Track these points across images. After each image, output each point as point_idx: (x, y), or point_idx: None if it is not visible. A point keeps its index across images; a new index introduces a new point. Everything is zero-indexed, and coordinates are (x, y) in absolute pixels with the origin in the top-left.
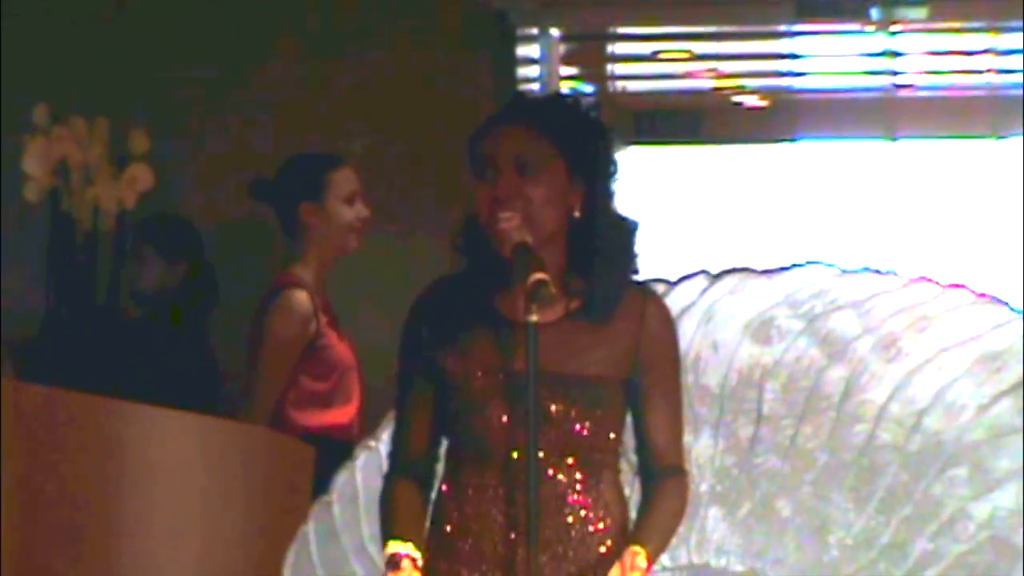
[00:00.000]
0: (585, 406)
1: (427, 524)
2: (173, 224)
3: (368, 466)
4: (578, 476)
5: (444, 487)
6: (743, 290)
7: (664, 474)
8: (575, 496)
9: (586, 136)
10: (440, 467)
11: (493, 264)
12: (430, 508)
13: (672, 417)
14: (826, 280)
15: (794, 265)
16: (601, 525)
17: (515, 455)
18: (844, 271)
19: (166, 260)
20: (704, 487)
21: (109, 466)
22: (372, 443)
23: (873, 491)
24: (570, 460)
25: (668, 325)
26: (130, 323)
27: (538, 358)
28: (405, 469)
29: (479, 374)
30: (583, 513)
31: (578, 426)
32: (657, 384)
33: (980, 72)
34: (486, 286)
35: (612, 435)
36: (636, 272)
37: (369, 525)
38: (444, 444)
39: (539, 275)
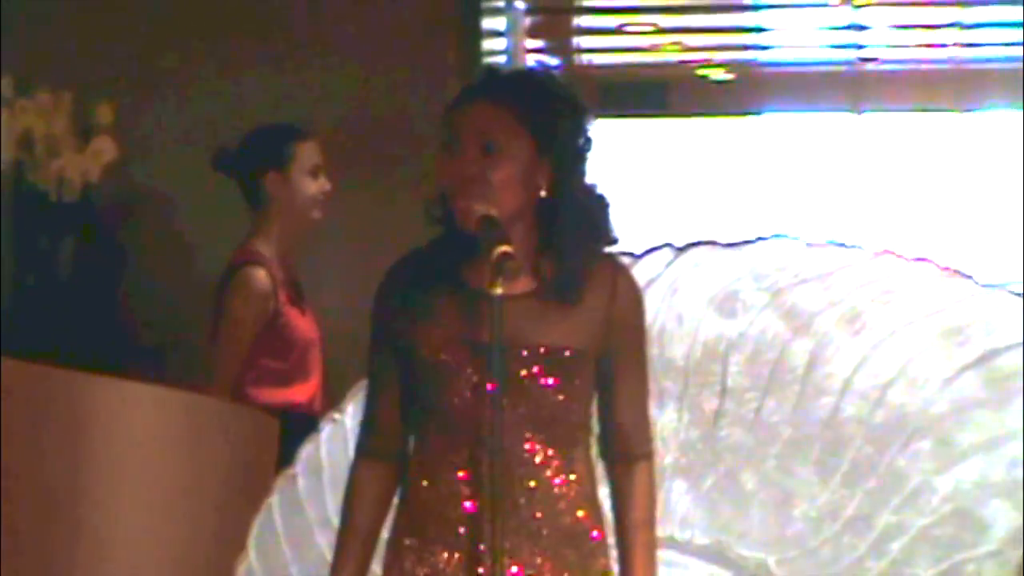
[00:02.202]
0: (561, 377)
1: (395, 500)
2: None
3: (333, 439)
4: (551, 451)
5: (411, 465)
6: (708, 263)
7: (635, 458)
8: (548, 470)
9: (555, 113)
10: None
11: (461, 235)
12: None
13: (642, 397)
14: (791, 254)
15: (759, 238)
16: (571, 498)
17: (484, 427)
18: (809, 244)
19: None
20: (668, 460)
21: (75, 438)
22: (337, 416)
23: (838, 464)
24: (544, 433)
25: (639, 301)
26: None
27: (511, 330)
28: (374, 448)
29: (447, 345)
30: (555, 488)
31: (556, 397)
32: (627, 361)
33: (945, 46)
34: (454, 257)
35: (585, 409)
36: (612, 244)
37: (334, 498)
38: None
39: (503, 248)
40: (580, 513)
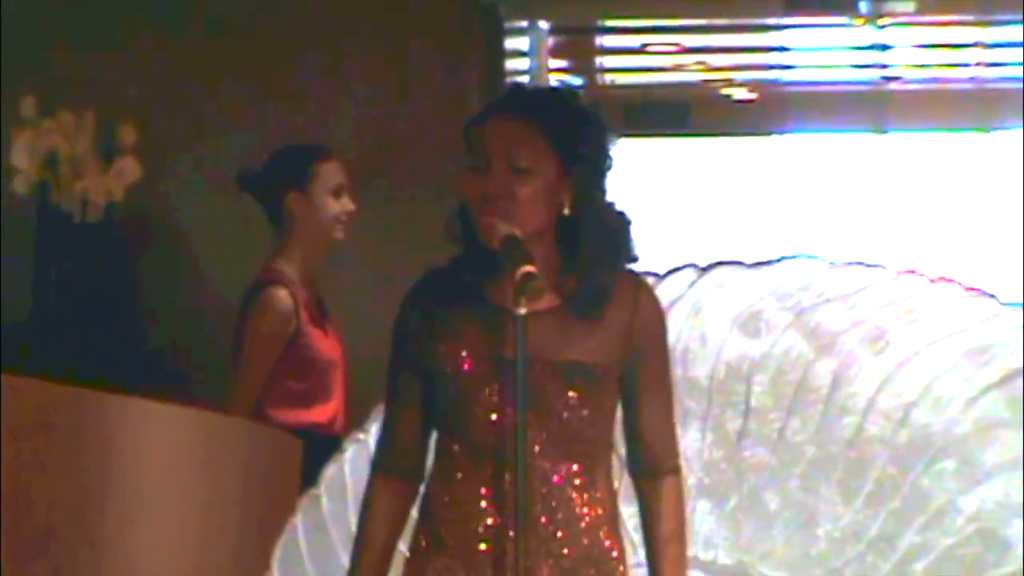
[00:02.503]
0: (585, 392)
1: (414, 516)
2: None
3: (357, 459)
4: (574, 468)
5: (434, 478)
6: (731, 283)
7: (662, 473)
8: (571, 489)
9: (580, 132)
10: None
11: (482, 253)
12: (418, 502)
13: (667, 412)
14: (814, 273)
15: (782, 258)
16: (593, 517)
17: (506, 444)
18: (832, 264)
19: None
20: (692, 480)
21: (97, 458)
22: (361, 436)
23: (861, 484)
24: (568, 450)
25: (660, 316)
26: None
27: (535, 346)
28: (391, 465)
29: (472, 362)
30: (577, 507)
31: (580, 413)
32: (652, 377)
33: (968, 65)
34: (476, 275)
35: (608, 425)
36: (633, 262)
37: (358, 518)
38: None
39: (527, 268)
40: (601, 532)
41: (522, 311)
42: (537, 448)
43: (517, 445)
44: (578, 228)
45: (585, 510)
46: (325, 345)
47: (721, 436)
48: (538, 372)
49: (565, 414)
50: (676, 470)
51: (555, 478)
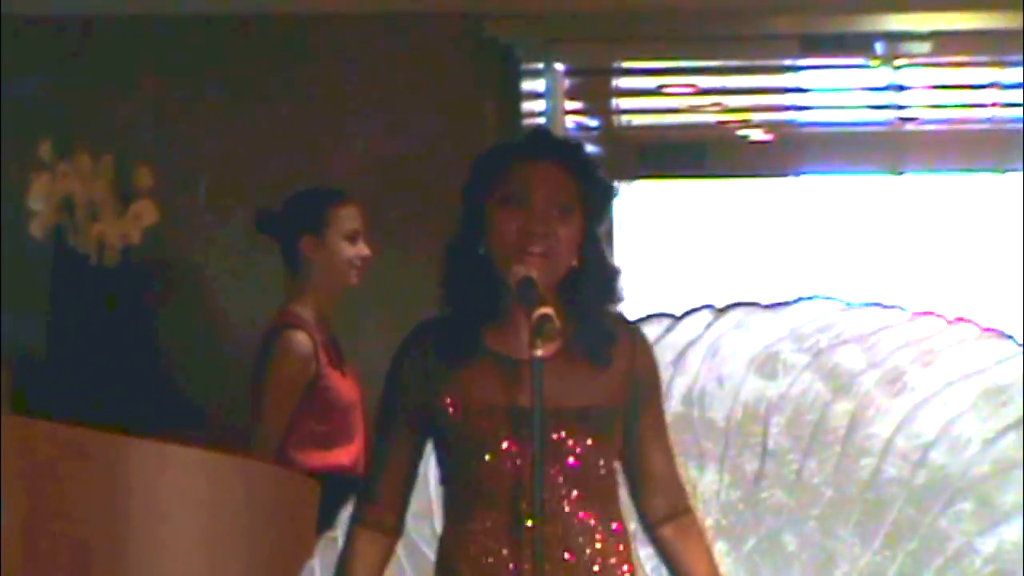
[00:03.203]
0: (595, 437)
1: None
2: None
3: None
4: (588, 512)
5: (450, 528)
6: (748, 324)
7: (681, 513)
8: (586, 532)
9: (598, 182)
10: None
11: (483, 299)
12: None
13: (671, 453)
14: (831, 314)
15: (799, 299)
16: (616, 552)
17: (518, 490)
18: (849, 305)
19: None
20: (709, 521)
21: (114, 501)
22: None
23: (879, 525)
24: (584, 492)
25: (655, 361)
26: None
27: (543, 393)
28: (374, 520)
29: (478, 409)
30: (599, 546)
31: (590, 457)
32: (654, 421)
33: (984, 106)
34: (476, 322)
35: (616, 465)
36: (620, 303)
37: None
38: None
39: (544, 309)
40: (626, 566)
41: (539, 353)
42: (551, 493)
43: (534, 490)
44: (586, 273)
45: (602, 549)
46: (344, 387)
47: (738, 477)
48: (547, 418)
49: (576, 459)
50: (691, 509)
51: (571, 522)
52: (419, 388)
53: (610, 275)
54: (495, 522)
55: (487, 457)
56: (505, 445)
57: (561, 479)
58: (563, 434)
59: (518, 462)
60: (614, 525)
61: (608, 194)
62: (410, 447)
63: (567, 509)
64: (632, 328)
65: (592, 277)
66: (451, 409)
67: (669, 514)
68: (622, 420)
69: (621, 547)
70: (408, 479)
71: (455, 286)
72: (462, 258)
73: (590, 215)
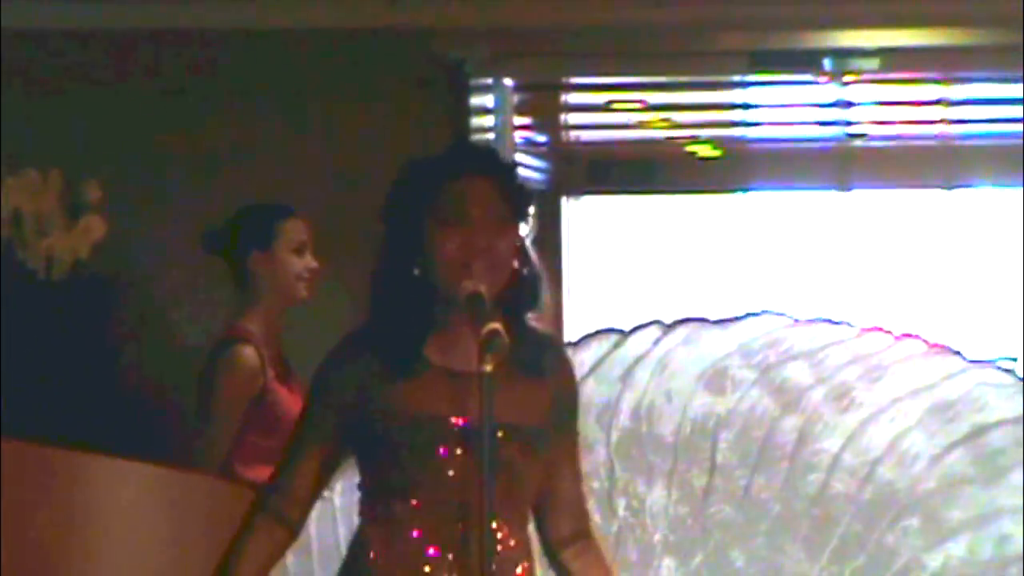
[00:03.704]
0: (528, 453)
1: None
2: None
3: (322, 517)
4: (516, 526)
5: (372, 536)
6: (697, 340)
7: (584, 536)
8: (514, 546)
9: (525, 195)
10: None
11: (423, 314)
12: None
13: (580, 479)
14: (779, 330)
15: (748, 315)
16: (525, 571)
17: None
18: (797, 321)
19: None
20: (658, 537)
21: (63, 517)
22: (327, 494)
23: (826, 541)
24: (510, 508)
25: (576, 384)
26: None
27: (474, 407)
28: (282, 511)
29: (417, 424)
30: (517, 562)
31: (522, 473)
32: (568, 445)
33: (933, 123)
34: (420, 335)
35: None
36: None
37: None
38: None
39: (493, 325)
40: None
41: (488, 368)
42: (482, 508)
43: (484, 503)
44: (522, 283)
45: (522, 561)
46: (292, 402)
47: (687, 493)
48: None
49: (508, 474)
50: (592, 534)
51: (501, 534)
52: (352, 397)
53: (540, 282)
54: (425, 533)
55: (421, 468)
56: (441, 456)
57: (490, 495)
58: (507, 449)
59: (451, 473)
60: (528, 547)
61: (531, 200)
62: (329, 452)
63: (493, 524)
64: (558, 349)
65: (527, 286)
66: (387, 419)
67: (571, 538)
68: (547, 441)
69: (531, 565)
70: (320, 482)
71: (394, 302)
72: (399, 275)
73: (521, 223)
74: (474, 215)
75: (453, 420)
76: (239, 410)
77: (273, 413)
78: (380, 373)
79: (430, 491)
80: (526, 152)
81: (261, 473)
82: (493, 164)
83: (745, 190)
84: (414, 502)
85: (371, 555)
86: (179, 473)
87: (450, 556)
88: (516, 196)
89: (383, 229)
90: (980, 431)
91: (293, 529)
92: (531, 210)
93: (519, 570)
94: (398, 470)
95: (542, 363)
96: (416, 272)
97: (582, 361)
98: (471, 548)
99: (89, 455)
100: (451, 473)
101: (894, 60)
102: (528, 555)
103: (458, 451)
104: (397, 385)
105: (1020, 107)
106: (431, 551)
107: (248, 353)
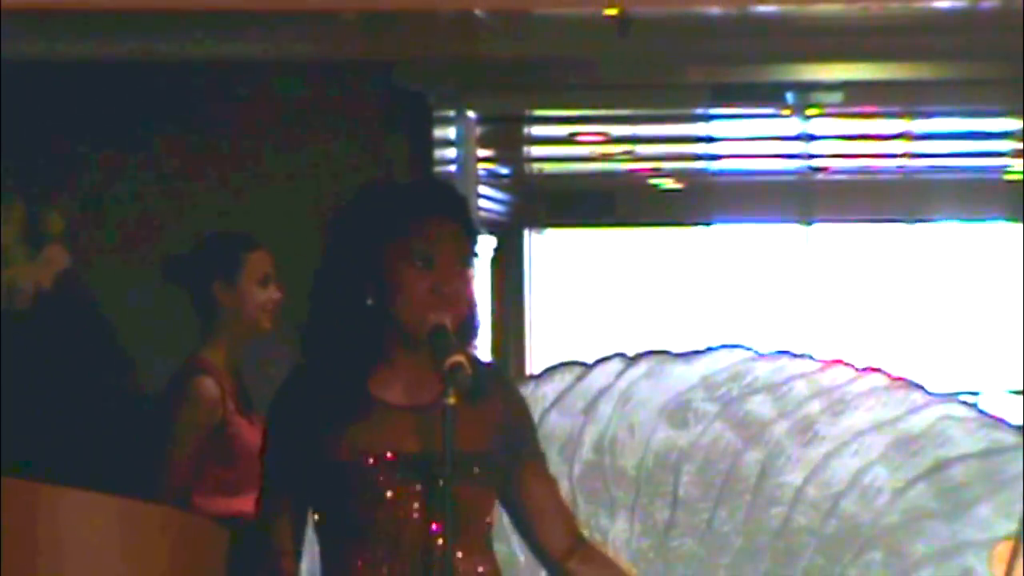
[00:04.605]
0: (479, 482)
1: None
2: None
3: None
4: (473, 557)
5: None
6: (660, 373)
7: (585, 542)
8: (479, 571)
9: (477, 234)
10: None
11: (372, 349)
12: None
13: (555, 487)
14: (742, 363)
15: (710, 348)
16: None
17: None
18: (760, 354)
19: None
20: None
21: (16, 547)
22: None
23: (790, 575)
24: (468, 536)
25: (523, 399)
26: None
27: (425, 440)
28: (277, 572)
29: (366, 462)
30: None
31: (475, 502)
32: (533, 459)
33: (895, 156)
34: (364, 372)
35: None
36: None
37: None
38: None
39: (455, 358)
40: None
41: (451, 401)
42: (437, 538)
43: (447, 542)
44: (471, 318)
45: None
46: (252, 434)
47: (649, 526)
48: (432, 463)
49: (460, 504)
50: (585, 538)
51: (464, 564)
52: (303, 434)
53: (478, 315)
54: (387, 568)
55: (373, 505)
56: (390, 494)
57: (444, 525)
58: (458, 479)
59: (404, 509)
60: (480, 566)
61: (479, 237)
62: (297, 495)
63: (450, 552)
64: (496, 372)
65: (473, 317)
66: (337, 458)
67: (571, 546)
68: (500, 466)
69: None
70: (300, 523)
71: (341, 331)
72: (349, 304)
73: (475, 261)
74: (440, 259)
75: (402, 455)
76: (197, 441)
77: (232, 445)
78: (326, 411)
79: (383, 529)
80: (488, 184)
81: (220, 505)
82: (460, 206)
83: (707, 223)
84: (358, 540)
85: None
86: (137, 504)
87: None
88: (475, 235)
89: (330, 250)
90: (943, 465)
91: (293, 561)
92: (478, 248)
93: None
94: (344, 509)
95: (487, 390)
96: (369, 302)
97: (544, 394)
98: None
99: (44, 485)
100: (395, 513)
101: (857, 94)
102: (498, 572)
103: (408, 486)
104: (342, 423)
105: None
106: None
107: (207, 384)
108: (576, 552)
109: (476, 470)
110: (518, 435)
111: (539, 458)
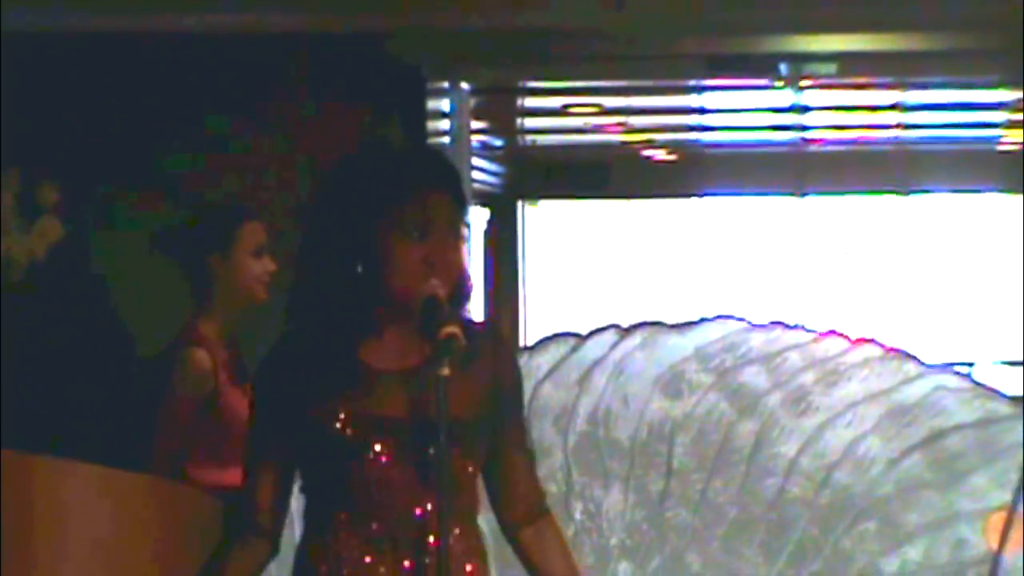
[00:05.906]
0: (466, 447)
1: None
2: None
3: None
4: (459, 521)
5: (314, 542)
6: (653, 344)
7: (542, 513)
8: (456, 541)
9: (468, 207)
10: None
11: (362, 316)
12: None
13: (532, 458)
14: (736, 334)
15: (704, 319)
16: (474, 567)
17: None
18: (754, 325)
19: None
20: (614, 541)
21: (14, 520)
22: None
23: (783, 545)
24: (458, 503)
25: (517, 364)
26: None
27: (413, 404)
28: (253, 526)
29: (352, 423)
30: (461, 558)
31: (463, 468)
32: (516, 427)
33: (887, 127)
34: (355, 338)
35: (478, 478)
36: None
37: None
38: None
39: (450, 329)
40: None
41: (445, 371)
42: (429, 506)
43: (440, 511)
44: (463, 284)
45: (468, 563)
46: (244, 406)
47: (643, 497)
48: (419, 430)
49: (457, 471)
50: (550, 510)
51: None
52: (292, 400)
53: (470, 281)
54: (363, 537)
55: (367, 470)
56: (377, 455)
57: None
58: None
59: (389, 472)
60: (476, 541)
61: (469, 208)
62: (283, 460)
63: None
64: (494, 335)
65: (465, 283)
66: (325, 421)
67: (528, 517)
68: (488, 431)
69: (479, 561)
70: (284, 490)
71: (330, 299)
72: (338, 272)
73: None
74: (434, 231)
75: (391, 419)
76: (189, 413)
77: (224, 416)
78: (314, 377)
79: (361, 492)
80: (482, 156)
81: (213, 475)
82: (454, 178)
83: (700, 194)
84: (345, 506)
85: (312, 561)
86: (129, 475)
87: (406, 563)
88: (466, 207)
89: (318, 216)
90: (937, 435)
91: (271, 539)
92: (469, 220)
93: (469, 563)
94: (330, 472)
95: (479, 351)
96: (359, 270)
97: (539, 365)
98: (426, 550)
99: (38, 456)
100: (380, 475)
101: (850, 65)
102: (480, 547)
103: (397, 453)
104: (331, 387)
105: (975, 112)
106: (366, 559)
107: (199, 356)
108: (531, 524)
109: (462, 436)
110: (504, 401)
111: (521, 428)
